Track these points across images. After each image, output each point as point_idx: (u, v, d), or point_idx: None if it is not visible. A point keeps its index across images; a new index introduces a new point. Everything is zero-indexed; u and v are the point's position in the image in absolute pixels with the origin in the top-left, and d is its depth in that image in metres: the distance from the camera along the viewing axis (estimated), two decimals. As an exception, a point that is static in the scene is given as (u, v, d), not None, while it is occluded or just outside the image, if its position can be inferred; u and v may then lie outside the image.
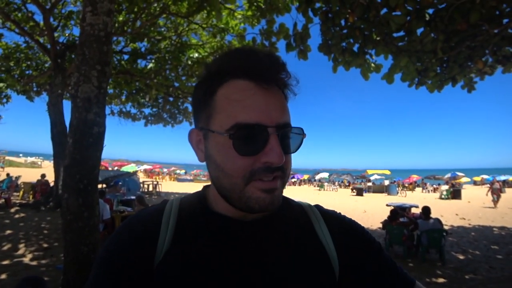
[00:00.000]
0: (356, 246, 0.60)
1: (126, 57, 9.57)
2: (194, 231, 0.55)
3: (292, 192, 24.07)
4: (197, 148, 0.57)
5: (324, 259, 0.57)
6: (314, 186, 32.99)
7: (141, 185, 17.57)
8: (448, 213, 12.27)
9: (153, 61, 8.94)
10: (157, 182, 18.75)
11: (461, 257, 6.11)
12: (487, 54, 4.20)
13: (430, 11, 3.84)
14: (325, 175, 36.22)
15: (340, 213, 0.68)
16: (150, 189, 17.73)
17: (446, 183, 27.12)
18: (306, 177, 38.62)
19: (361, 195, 22.55)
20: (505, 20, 3.46)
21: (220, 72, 0.52)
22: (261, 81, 0.49)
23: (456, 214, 12.17)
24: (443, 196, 19.88)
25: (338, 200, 18.41)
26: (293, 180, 36.19)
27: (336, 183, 32.46)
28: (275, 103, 0.50)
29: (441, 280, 4.80)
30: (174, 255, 0.52)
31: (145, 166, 39.83)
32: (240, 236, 0.55)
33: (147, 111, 12.88)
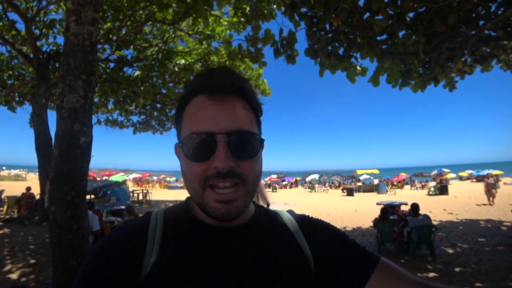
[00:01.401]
0: (325, 240, 0.65)
1: (112, 65, 9.42)
2: (181, 240, 0.56)
3: (283, 195, 24.13)
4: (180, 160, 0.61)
5: (301, 258, 0.61)
6: (305, 188, 33.14)
7: (131, 194, 17.26)
8: (436, 209, 12.54)
9: (139, 68, 8.84)
10: (147, 190, 18.45)
11: (450, 251, 6.25)
12: (466, 54, 4.37)
13: (411, 14, 3.98)
14: (315, 176, 36.46)
15: (308, 216, 0.73)
16: (140, 198, 17.42)
17: (434, 179, 27.75)
18: (297, 179, 38.74)
19: (352, 195, 22.77)
20: (481, 22, 3.61)
21: (187, 92, 0.58)
22: (212, 94, 0.54)
23: (444, 209, 12.45)
24: (431, 193, 20.31)
25: (329, 201, 18.55)
26: (284, 183, 36.28)
27: (327, 184, 32.70)
28: (227, 112, 0.54)
29: (432, 274, 4.90)
30: (162, 266, 0.52)
31: (134, 175, 39.12)
32: (223, 243, 0.57)
33: (135, 118, 12.71)
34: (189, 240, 0.56)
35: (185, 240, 0.56)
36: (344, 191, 24.73)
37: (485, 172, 31.47)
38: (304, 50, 5.83)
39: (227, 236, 0.58)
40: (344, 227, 9.28)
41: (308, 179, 35.98)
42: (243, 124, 0.55)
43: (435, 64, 4.65)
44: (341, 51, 5.55)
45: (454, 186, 25.54)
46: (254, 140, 0.56)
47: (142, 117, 12.36)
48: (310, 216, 0.72)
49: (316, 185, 30.56)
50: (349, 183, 30.52)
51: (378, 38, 4.91)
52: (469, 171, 37.38)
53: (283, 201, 18.14)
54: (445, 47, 3.98)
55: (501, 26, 3.54)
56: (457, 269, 5.08)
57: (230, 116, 0.54)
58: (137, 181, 35.98)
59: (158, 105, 11.46)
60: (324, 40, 5.43)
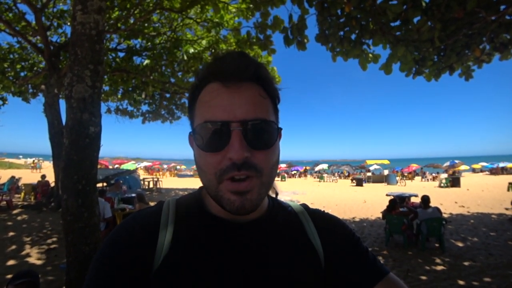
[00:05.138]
0: (338, 240, 0.63)
1: (121, 54, 9.44)
2: (193, 234, 0.56)
3: (292, 184, 24.17)
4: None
5: (312, 254, 0.61)
6: (314, 177, 33.10)
7: (142, 182, 17.60)
8: (448, 201, 12.35)
9: (148, 57, 8.83)
10: (158, 178, 18.76)
11: (460, 244, 6.17)
12: (484, 41, 4.17)
13: (427, -1, 3.79)
14: (324, 166, 36.30)
15: (324, 211, 0.71)
16: (151, 186, 17.75)
17: (445, 171, 27.24)
18: (306, 168, 38.68)
19: (361, 185, 22.65)
20: (502, 7, 3.41)
21: (200, 80, 0.56)
22: (226, 81, 0.51)
23: (455, 202, 12.25)
24: (442, 185, 19.98)
25: (338, 191, 18.49)
26: (293, 172, 36.32)
27: (336, 174, 32.56)
28: (242, 99, 0.51)
29: (440, 268, 4.85)
30: (173, 260, 0.52)
31: (145, 163, 39.87)
32: (236, 238, 0.56)
33: (144, 108, 12.79)
34: (201, 234, 0.56)
35: (197, 234, 0.56)
36: (353, 181, 24.60)
37: (500, 164, 30.66)
38: (313, 36, 5.71)
39: (240, 231, 0.57)
40: (353, 218, 9.26)
41: (317, 168, 35.88)
42: (259, 112, 0.52)
43: (451, 52, 4.46)
44: (353, 37, 5.40)
45: (467, 179, 25.04)
46: (271, 129, 0.53)
47: (152, 106, 12.43)
48: (325, 211, 0.71)
49: (325, 175, 30.47)
50: (359, 173, 30.32)
51: (392, 24, 4.73)
52: (483, 163, 36.52)
53: (292, 190, 18.19)
54: (462, 34, 3.79)
55: (523, 11, 3.34)
56: (466, 263, 5.01)
57: (245, 104, 0.51)
58: (147, 169, 36.67)
59: (167, 95, 11.48)
60: (336, 25, 5.28)
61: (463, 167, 29.03)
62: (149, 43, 8.86)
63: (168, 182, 23.66)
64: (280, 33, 5.95)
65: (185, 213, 0.59)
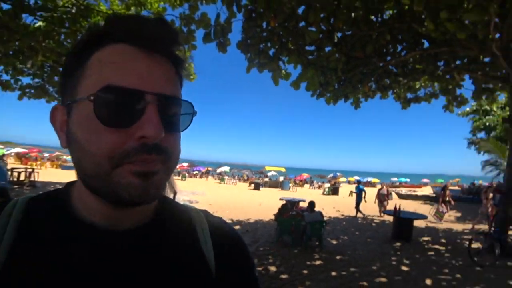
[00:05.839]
0: (233, 260, 0.55)
1: (6, 6, 7.27)
2: (46, 249, 0.40)
3: (192, 184, 23.80)
4: (60, 130, 0.44)
5: (202, 270, 0.50)
6: (215, 179, 33.60)
7: (9, 173, 13.98)
8: (328, 206, 14.47)
9: (44, 19, 7.13)
10: (33, 169, 15.20)
11: (334, 242, 7.40)
12: (372, 81, 5.25)
13: (339, 34, 4.52)
14: (226, 169, 37.39)
15: (226, 223, 0.61)
16: (22, 178, 14.26)
17: (329, 181, 32.14)
18: (208, 169, 38.88)
19: (258, 189, 24.07)
20: (388, 58, 4.39)
21: (97, 36, 0.42)
22: (145, 47, 0.40)
23: (334, 207, 14.58)
24: (325, 192, 23.53)
25: (237, 193, 19.29)
26: (194, 172, 35.90)
27: (236, 177, 33.93)
28: (160, 71, 0.41)
29: (319, 262, 5.68)
30: (8, 283, 0.38)
31: (18, 149, 31.99)
32: (109, 255, 0.42)
33: (26, 80, 10.11)
34: (59, 248, 0.40)
35: (49, 247, 0.40)
36: (251, 185, 26.07)
37: (369, 179, 38.27)
38: (235, 41, 5.90)
39: (118, 244, 0.43)
40: (248, 219, 9.78)
41: (218, 170, 36.60)
42: (176, 91, 0.43)
43: (348, 84, 5.43)
44: (271, 52, 5.84)
45: (344, 189, 29.82)
46: (187, 111, 0.45)
47: (36, 80, 9.95)
48: (228, 224, 0.62)
49: (226, 177, 31.35)
50: (257, 178, 32.35)
51: (307, 47, 5.37)
52: (356, 177, 44.84)
53: (191, 190, 17.84)
54: (359, 71, 4.69)
55: (401, 65, 4.41)
56: (338, 257, 6.03)
57: (164, 77, 0.41)
58: (20, 157, 29.42)
59: (61, 69, 9.53)
60: (258, 37, 5.61)
61: (342, 178, 34.93)
62: (48, 3, 7.16)
63: (48, 174, 19.57)
64: (203, 29, 5.91)
65: (37, 218, 0.44)
